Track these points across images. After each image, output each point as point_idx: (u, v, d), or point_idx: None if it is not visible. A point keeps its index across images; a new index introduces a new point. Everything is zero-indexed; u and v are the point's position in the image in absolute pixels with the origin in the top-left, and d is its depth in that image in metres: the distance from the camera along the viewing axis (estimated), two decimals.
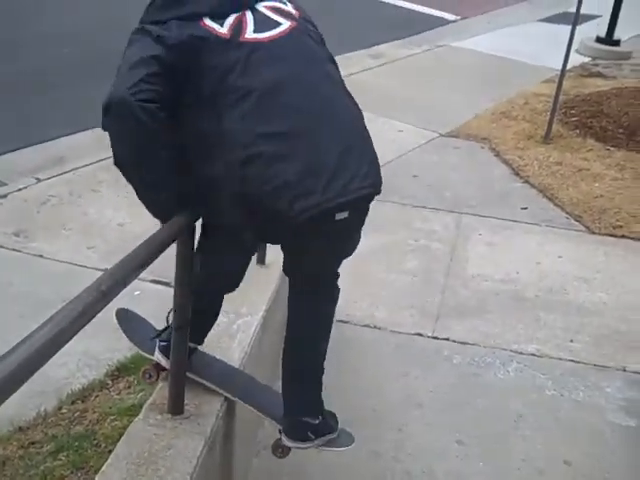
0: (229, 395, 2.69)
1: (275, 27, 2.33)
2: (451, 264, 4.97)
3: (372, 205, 2.39)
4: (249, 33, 2.28)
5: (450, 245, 5.19)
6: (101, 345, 3.71)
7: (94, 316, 1.53)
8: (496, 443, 3.46)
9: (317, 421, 2.70)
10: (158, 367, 2.73)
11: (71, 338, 1.42)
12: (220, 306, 2.84)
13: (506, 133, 7.13)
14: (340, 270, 2.72)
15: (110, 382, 3.56)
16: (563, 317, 4.49)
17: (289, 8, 2.41)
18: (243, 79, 2.22)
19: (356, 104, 2.50)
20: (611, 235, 5.46)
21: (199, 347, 2.80)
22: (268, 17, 2.34)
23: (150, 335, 2.83)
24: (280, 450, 2.78)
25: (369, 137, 2.43)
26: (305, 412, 2.69)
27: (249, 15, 2.31)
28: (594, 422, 3.64)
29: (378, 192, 2.39)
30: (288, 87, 2.27)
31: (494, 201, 5.87)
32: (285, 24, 2.35)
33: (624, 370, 4.05)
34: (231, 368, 2.86)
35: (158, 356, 2.72)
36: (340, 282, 2.74)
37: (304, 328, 2.70)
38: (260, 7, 2.35)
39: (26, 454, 3.03)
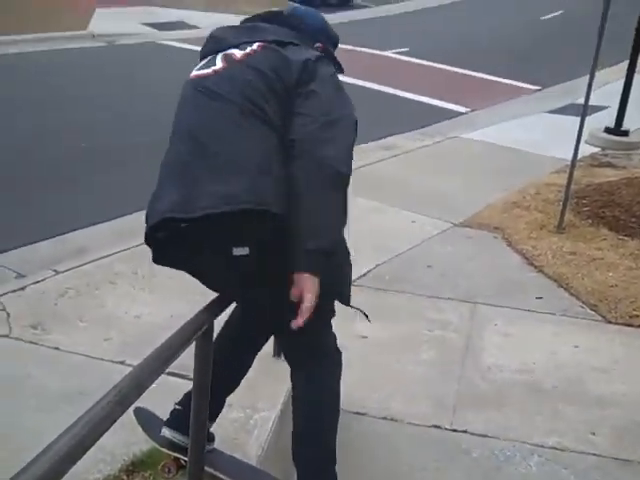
0: None
1: (210, 67, 2.52)
2: (467, 355, 4.94)
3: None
4: (194, 71, 2.55)
5: (465, 335, 5.17)
6: (116, 439, 3.66)
7: (114, 422, 1.52)
8: None
9: None
10: (177, 462, 2.72)
11: (90, 447, 1.41)
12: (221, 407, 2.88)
13: (518, 223, 7.18)
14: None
15: (125, 477, 3.51)
16: (582, 409, 4.43)
17: (238, 54, 2.52)
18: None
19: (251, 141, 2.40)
20: (628, 325, 5.43)
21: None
22: (215, 59, 2.53)
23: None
24: None
25: (217, 174, 2.35)
26: None
27: (212, 56, 2.56)
28: None
29: (185, 218, 2.30)
30: (180, 122, 2.50)
31: (509, 291, 5.87)
32: (218, 66, 2.51)
33: None
34: (247, 464, 2.83)
35: (165, 431, 2.73)
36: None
37: (296, 411, 2.73)
38: (226, 51, 2.55)
39: None
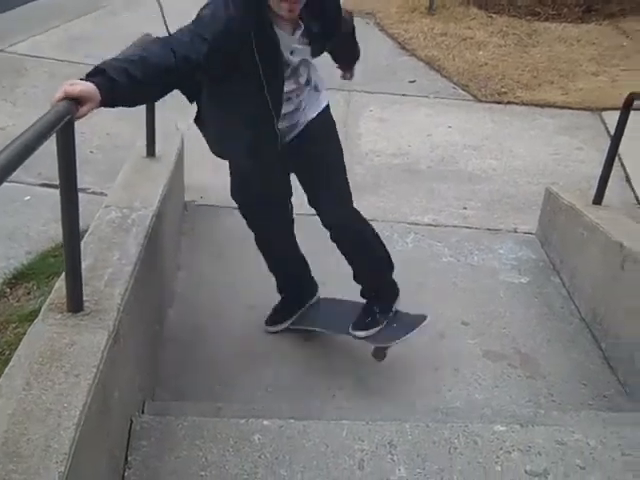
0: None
1: None
2: (344, 142, 4.93)
3: None
4: None
5: (341, 123, 5.15)
6: None
7: None
8: None
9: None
10: None
11: None
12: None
13: (390, 7, 7.06)
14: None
15: (8, 290, 3.47)
16: (455, 186, 4.60)
17: None
18: None
19: None
20: (497, 102, 5.57)
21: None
22: None
23: None
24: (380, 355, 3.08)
25: None
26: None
27: None
28: (489, 283, 3.78)
29: None
30: None
31: (382, 76, 5.86)
32: None
33: (515, 231, 4.21)
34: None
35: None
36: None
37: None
38: None
39: None
